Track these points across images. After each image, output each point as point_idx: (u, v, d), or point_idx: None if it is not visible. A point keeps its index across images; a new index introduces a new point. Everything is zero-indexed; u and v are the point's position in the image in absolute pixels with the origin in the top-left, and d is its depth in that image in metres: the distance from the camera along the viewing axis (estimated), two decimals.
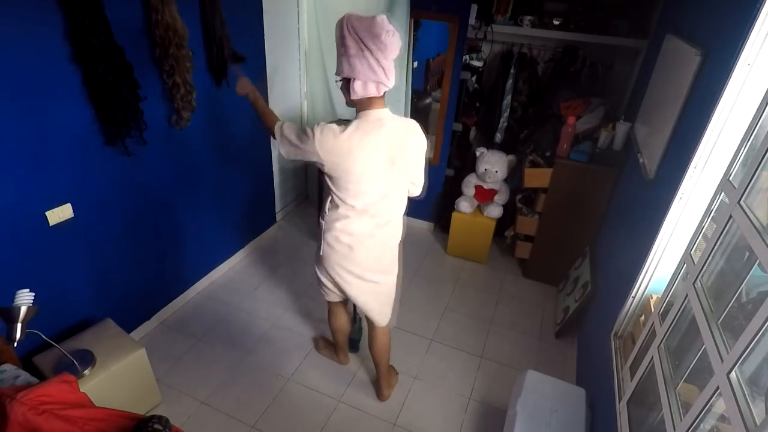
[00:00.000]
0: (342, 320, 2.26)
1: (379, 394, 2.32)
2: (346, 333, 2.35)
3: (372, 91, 1.56)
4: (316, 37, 3.19)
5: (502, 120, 3.35)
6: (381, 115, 1.62)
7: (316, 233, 3.57)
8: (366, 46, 1.47)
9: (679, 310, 1.45)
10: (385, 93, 1.62)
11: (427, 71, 4.19)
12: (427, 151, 1.84)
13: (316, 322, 2.76)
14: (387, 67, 1.53)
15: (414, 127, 1.73)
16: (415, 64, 3.44)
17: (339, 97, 3.39)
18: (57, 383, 1.40)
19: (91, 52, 1.78)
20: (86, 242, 2.09)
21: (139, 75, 2.01)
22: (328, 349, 2.54)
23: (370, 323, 2.12)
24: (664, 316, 1.57)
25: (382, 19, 1.47)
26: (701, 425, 1.16)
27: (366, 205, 1.72)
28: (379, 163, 1.65)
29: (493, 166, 3.12)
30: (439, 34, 3.96)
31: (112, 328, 2.11)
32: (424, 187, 1.89)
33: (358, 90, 1.55)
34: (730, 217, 1.23)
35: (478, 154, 3.18)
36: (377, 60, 1.49)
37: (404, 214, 1.89)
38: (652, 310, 1.71)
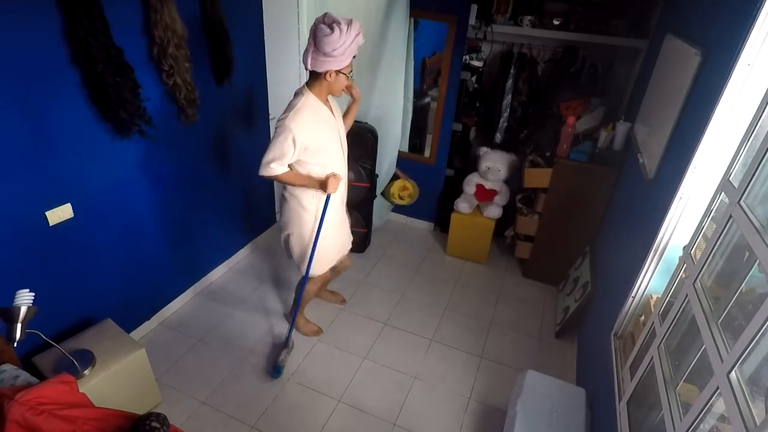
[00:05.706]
0: None
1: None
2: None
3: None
4: None
5: (502, 120, 3.35)
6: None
7: None
8: None
9: (679, 310, 1.45)
10: (309, 71, 2.08)
11: (423, 70, 4.17)
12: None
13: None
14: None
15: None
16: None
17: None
18: (56, 384, 1.39)
19: (88, 53, 1.78)
20: (86, 242, 2.09)
21: (140, 75, 2.01)
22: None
23: None
24: (664, 316, 1.57)
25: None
26: (701, 425, 1.16)
27: None
28: None
29: (495, 163, 3.13)
30: (436, 32, 3.93)
31: (112, 328, 2.11)
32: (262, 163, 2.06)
33: None
34: (730, 217, 1.23)
35: (481, 152, 3.18)
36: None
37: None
38: (652, 310, 1.71)
